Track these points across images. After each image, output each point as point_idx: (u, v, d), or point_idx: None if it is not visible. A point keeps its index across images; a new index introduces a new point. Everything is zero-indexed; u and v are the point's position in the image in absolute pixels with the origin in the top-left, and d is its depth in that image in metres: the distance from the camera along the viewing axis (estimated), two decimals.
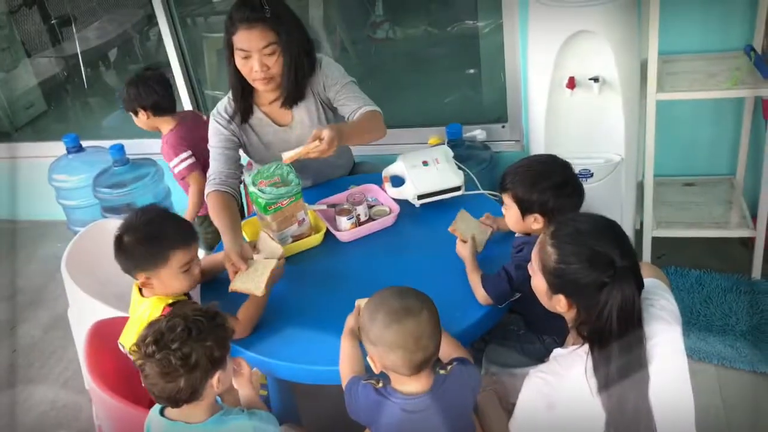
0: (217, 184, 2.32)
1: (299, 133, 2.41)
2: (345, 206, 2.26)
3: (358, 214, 2.25)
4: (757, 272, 2.75)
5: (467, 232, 2.04)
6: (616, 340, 1.41)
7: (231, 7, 2.21)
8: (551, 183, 1.83)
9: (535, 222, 1.86)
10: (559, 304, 1.52)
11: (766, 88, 2.42)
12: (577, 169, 2.59)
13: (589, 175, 2.62)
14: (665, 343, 1.47)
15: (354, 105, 2.34)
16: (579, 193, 1.86)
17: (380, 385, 1.61)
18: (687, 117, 2.89)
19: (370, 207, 2.32)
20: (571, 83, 2.45)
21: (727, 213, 2.84)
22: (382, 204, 2.33)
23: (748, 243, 2.82)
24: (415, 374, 1.56)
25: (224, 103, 2.41)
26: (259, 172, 2.19)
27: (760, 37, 2.61)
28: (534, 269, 1.57)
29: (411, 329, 1.51)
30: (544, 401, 1.49)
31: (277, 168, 2.19)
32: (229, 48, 2.24)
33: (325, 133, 2.05)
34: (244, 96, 2.37)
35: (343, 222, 2.22)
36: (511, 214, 1.91)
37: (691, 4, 2.65)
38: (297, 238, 2.22)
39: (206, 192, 2.34)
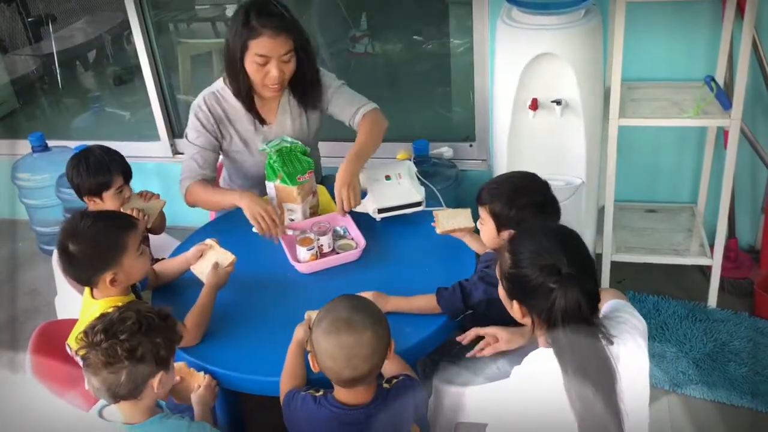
0: (195, 177, 2.39)
1: (277, 132, 2.44)
2: (308, 235, 2.17)
3: (321, 245, 2.16)
4: (712, 300, 2.78)
5: (452, 223, 2.10)
6: (570, 346, 1.40)
7: (244, 12, 2.22)
8: (530, 201, 1.82)
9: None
10: (515, 312, 1.52)
11: (727, 119, 2.45)
12: None
13: None
14: (630, 358, 1.47)
15: (351, 108, 2.44)
16: (556, 213, 1.85)
17: (320, 393, 1.61)
18: (651, 143, 2.93)
19: (338, 238, 2.23)
20: (534, 105, 2.47)
21: (687, 241, 2.87)
22: (351, 237, 2.25)
23: (706, 271, 2.85)
24: (347, 388, 1.55)
25: (209, 98, 2.41)
26: (276, 146, 2.27)
27: (722, 69, 2.65)
28: (498, 276, 1.56)
29: (345, 345, 1.51)
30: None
31: (291, 142, 2.30)
32: (242, 52, 2.25)
33: (336, 190, 2.22)
34: (250, 97, 2.38)
35: (303, 252, 2.13)
36: (486, 229, 1.90)
37: (656, 32, 2.69)
38: (312, 210, 2.32)
39: (185, 186, 2.40)
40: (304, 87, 2.41)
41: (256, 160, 2.46)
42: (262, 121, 2.43)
